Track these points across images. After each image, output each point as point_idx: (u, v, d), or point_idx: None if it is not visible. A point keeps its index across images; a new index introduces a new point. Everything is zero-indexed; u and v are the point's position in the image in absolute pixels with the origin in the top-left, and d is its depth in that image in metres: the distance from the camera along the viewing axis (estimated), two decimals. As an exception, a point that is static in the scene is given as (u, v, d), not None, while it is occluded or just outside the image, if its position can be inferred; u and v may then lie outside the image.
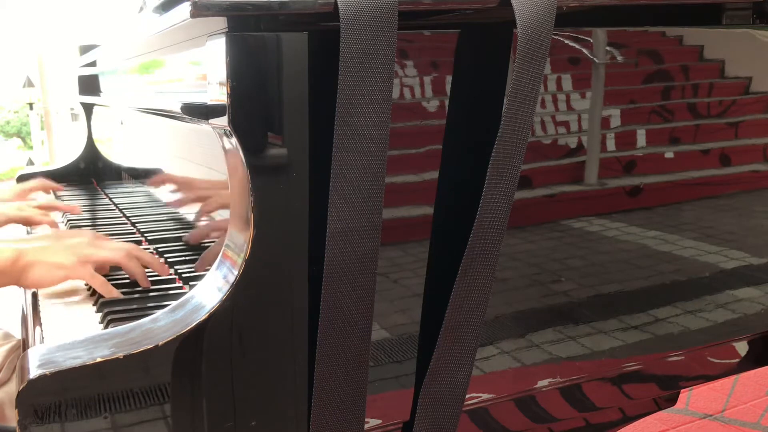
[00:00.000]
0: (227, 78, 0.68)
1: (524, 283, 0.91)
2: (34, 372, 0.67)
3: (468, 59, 0.79)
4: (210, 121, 0.74)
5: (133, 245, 1.04)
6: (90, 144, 1.94)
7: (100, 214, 1.53)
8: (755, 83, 1.02)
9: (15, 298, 1.26)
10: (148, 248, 1.22)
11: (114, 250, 1.00)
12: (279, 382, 0.76)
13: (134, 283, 1.02)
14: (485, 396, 0.91)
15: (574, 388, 1.00)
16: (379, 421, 0.84)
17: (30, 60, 7.00)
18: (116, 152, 1.74)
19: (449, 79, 0.79)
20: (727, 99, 1.01)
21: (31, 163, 7.27)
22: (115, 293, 0.97)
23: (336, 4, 0.68)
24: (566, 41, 0.87)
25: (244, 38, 0.68)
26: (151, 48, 1.09)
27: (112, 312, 0.91)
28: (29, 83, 6.86)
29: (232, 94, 0.68)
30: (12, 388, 1.17)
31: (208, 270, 0.78)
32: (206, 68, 0.74)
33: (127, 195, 1.61)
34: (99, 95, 1.77)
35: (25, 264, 0.95)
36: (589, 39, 0.88)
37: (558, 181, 0.90)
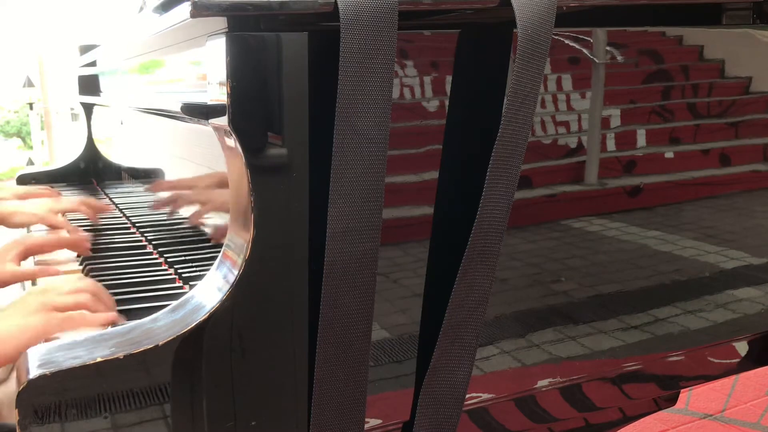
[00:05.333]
0: (227, 78, 0.68)
1: (524, 283, 0.91)
2: (34, 372, 0.67)
3: (468, 59, 0.79)
4: (210, 121, 0.74)
5: (91, 282, 0.91)
6: (90, 144, 1.94)
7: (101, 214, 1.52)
8: (755, 83, 1.02)
9: (15, 296, 1.25)
10: (148, 248, 1.22)
11: (75, 292, 0.86)
12: (279, 382, 0.76)
13: (137, 284, 1.02)
14: (485, 396, 0.91)
15: (574, 388, 1.00)
16: (379, 421, 0.84)
17: (30, 60, 7.00)
18: (116, 152, 1.74)
19: (449, 79, 0.79)
20: (727, 99, 1.01)
21: (31, 163, 7.27)
22: (102, 318, 0.85)
23: (336, 4, 0.68)
24: (566, 41, 0.87)
25: (244, 38, 0.68)
26: (151, 48, 1.09)
27: (112, 312, 0.91)
28: (29, 83, 6.86)
29: (232, 94, 0.68)
30: (11, 387, 1.16)
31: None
32: (206, 68, 0.74)
33: (127, 195, 1.61)
34: (99, 95, 1.77)
35: None
36: (589, 39, 0.88)
37: (558, 181, 0.90)
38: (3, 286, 1.06)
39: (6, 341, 0.79)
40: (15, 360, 0.79)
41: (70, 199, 1.41)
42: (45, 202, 1.35)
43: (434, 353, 0.80)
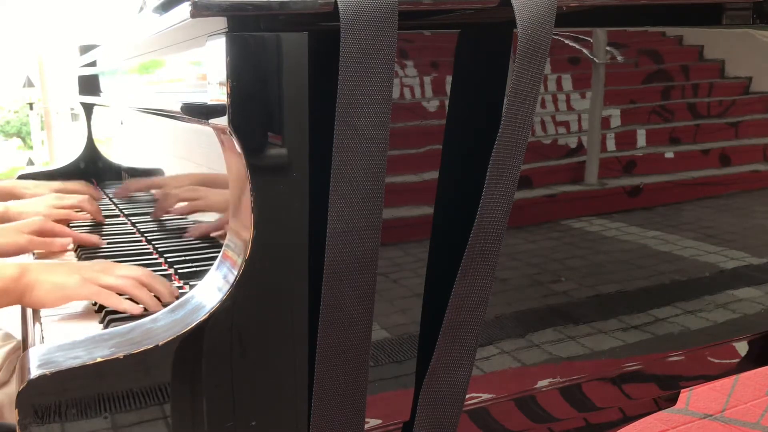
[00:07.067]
0: (227, 78, 0.68)
1: (524, 283, 0.91)
2: (34, 372, 0.67)
3: (468, 59, 0.79)
4: (210, 121, 0.74)
5: (146, 271, 0.96)
6: (90, 144, 1.94)
7: (100, 214, 1.52)
8: (755, 83, 1.02)
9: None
10: (148, 247, 1.22)
11: (121, 277, 0.93)
12: (279, 382, 0.76)
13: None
14: (485, 396, 0.91)
15: (574, 388, 1.00)
16: (379, 421, 0.84)
17: (30, 60, 7.00)
18: (116, 152, 1.74)
19: (449, 79, 0.79)
20: (727, 99, 1.01)
21: (31, 163, 7.27)
22: (127, 305, 0.90)
23: (336, 4, 0.68)
24: (566, 41, 0.87)
25: (244, 38, 0.68)
26: (151, 48, 1.09)
27: (112, 312, 0.91)
28: (29, 83, 6.86)
29: (232, 94, 0.68)
30: (12, 389, 1.16)
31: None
32: (206, 68, 0.74)
33: (127, 195, 1.61)
34: (99, 95, 1.77)
35: (28, 282, 0.90)
36: (589, 39, 0.88)
37: (558, 181, 0.90)
38: (16, 254, 1.16)
39: (36, 287, 0.90)
40: (38, 307, 0.93)
41: (72, 196, 1.43)
42: (47, 200, 1.37)
43: (434, 353, 0.80)
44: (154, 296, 0.93)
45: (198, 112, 0.76)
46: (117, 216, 1.51)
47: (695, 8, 1.00)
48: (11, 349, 1.25)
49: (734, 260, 1.07)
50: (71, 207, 1.39)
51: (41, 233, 1.19)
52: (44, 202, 1.37)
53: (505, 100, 0.76)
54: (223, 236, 0.80)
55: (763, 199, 1.09)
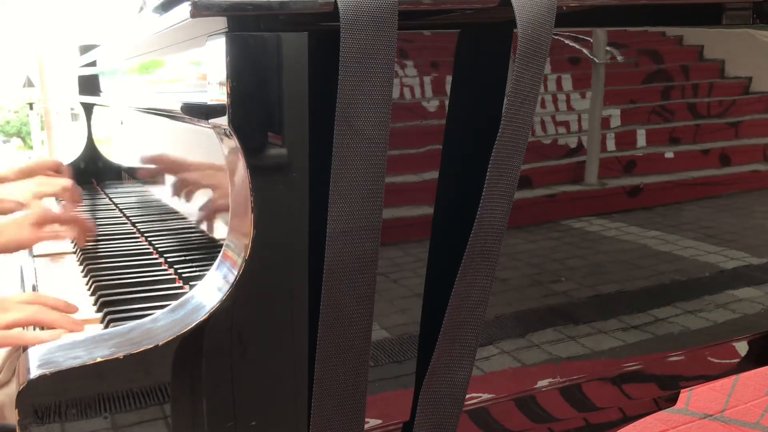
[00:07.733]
0: (227, 78, 0.68)
1: (524, 283, 0.91)
2: (34, 372, 0.67)
3: (468, 59, 0.79)
4: (210, 121, 0.74)
5: (35, 294, 0.89)
6: (90, 144, 1.94)
7: (100, 214, 1.53)
8: (755, 83, 1.02)
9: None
10: (148, 247, 1.23)
11: (24, 307, 0.84)
12: (279, 382, 0.76)
13: (136, 284, 1.02)
14: (485, 396, 0.91)
15: (574, 388, 1.00)
16: (379, 421, 0.84)
17: (30, 60, 7.00)
18: (116, 152, 1.74)
19: (449, 79, 0.79)
20: (727, 99, 1.01)
21: (31, 163, 7.26)
22: (46, 335, 0.81)
23: (336, 4, 0.68)
24: (566, 41, 0.87)
25: (244, 38, 0.68)
26: (151, 48, 1.09)
27: (112, 312, 0.91)
28: (29, 83, 6.87)
29: (232, 94, 0.68)
30: (13, 389, 1.16)
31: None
32: (206, 68, 0.74)
33: (127, 195, 1.61)
34: (99, 95, 1.77)
35: None
36: (589, 39, 0.88)
37: (558, 181, 0.90)
38: (18, 249, 1.08)
39: None
40: None
41: (53, 181, 1.37)
42: (28, 187, 1.32)
43: (434, 353, 0.80)
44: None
45: (198, 112, 0.76)
46: (117, 216, 1.51)
47: (695, 8, 1.00)
48: (12, 349, 1.25)
49: (734, 260, 1.07)
50: (53, 195, 1.33)
51: (43, 223, 1.09)
52: (24, 190, 1.31)
53: (505, 100, 0.76)
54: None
55: (763, 199, 1.09)
